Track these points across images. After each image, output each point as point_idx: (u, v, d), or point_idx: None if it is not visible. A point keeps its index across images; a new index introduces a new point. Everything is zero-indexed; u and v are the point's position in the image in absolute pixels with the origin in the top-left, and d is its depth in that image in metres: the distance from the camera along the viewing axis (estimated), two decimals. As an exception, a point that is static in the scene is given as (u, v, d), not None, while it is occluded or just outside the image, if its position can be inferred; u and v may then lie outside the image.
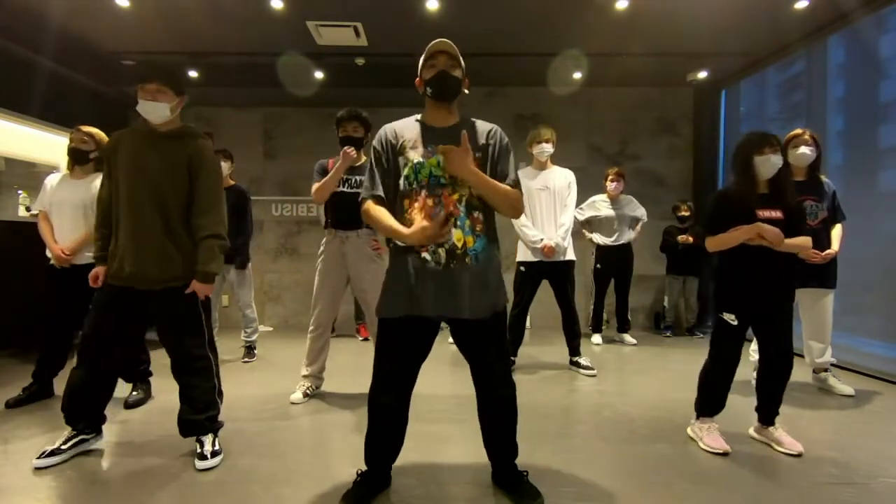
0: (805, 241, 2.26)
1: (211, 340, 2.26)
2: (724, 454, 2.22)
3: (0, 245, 4.14)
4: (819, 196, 3.02)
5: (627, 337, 4.85)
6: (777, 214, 2.26)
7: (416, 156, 1.75)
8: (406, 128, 1.82)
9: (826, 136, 4.33)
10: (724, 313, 2.32)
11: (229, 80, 5.28)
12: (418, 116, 1.85)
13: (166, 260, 2.10)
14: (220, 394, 2.28)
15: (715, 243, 2.32)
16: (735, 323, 2.28)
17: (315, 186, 2.95)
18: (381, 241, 2.93)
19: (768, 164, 2.25)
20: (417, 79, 1.83)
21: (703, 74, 5.07)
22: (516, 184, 1.80)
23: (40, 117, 4.55)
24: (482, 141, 1.81)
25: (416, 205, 1.73)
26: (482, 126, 1.84)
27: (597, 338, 4.82)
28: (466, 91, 1.83)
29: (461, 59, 1.80)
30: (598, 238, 4.77)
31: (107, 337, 2.15)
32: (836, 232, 3.04)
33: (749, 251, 2.25)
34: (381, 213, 1.75)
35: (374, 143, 1.83)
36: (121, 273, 2.09)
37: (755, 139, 2.28)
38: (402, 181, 1.76)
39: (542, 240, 3.58)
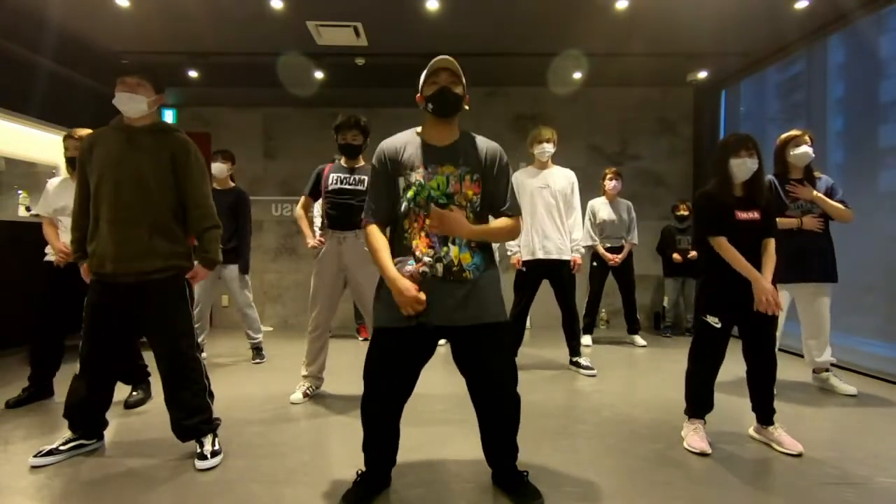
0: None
1: (196, 342, 2.26)
2: (703, 454, 2.22)
3: (0, 245, 4.14)
4: None
5: (638, 339, 4.79)
6: (755, 216, 2.29)
7: (416, 177, 1.75)
8: (406, 145, 1.80)
9: (826, 136, 4.34)
10: (707, 316, 2.33)
11: (229, 80, 5.29)
12: (418, 130, 1.85)
13: (151, 256, 2.08)
14: (211, 395, 2.27)
15: (724, 249, 2.26)
16: (718, 326, 2.30)
17: (302, 201, 3.10)
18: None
19: (744, 168, 2.27)
20: (418, 95, 1.81)
21: (703, 74, 5.07)
22: (513, 208, 1.83)
23: (40, 117, 4.56)
24: (482, 159, 1.80)
25: (416, 226, 1.75)
26: (482, 144, 1.84)
27: (587, 339, 4.67)
28: (467, 108, 1.82)
29: (462, 76, 1.80)
30: (600, 247, 4.68)
31: (104, 345, 2.15)
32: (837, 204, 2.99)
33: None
34: (379, 244, 1.78)
35: (374, 161, 1.83)
36: (102, 270, 2.08)
37: (732, 142, 2.31)
38: (403, 203, 1.76)
39: (516, 252, 3.64)
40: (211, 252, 2.23)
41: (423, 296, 1.68)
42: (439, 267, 1.72)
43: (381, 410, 1.80)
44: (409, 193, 1.74)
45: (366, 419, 1.82)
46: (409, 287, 1.68)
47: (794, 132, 3.02)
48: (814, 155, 2.98)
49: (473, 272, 1.75)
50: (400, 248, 1.77)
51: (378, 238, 1.79)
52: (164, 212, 2.12)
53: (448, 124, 1.82)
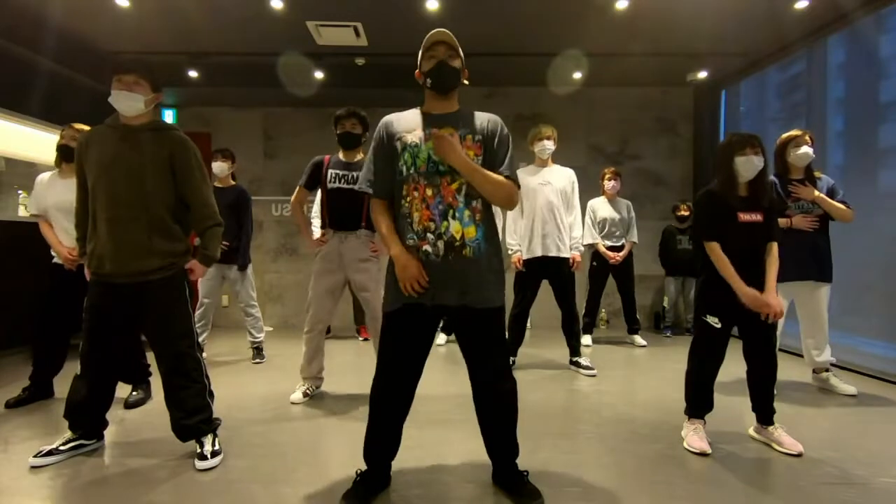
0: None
1: (197, 341, 2.26)
2: (703, 454, 2.22)
3: (0, 245, 4.14)
4: None
5: (638, 338, 4.78)
6: (757, 217, 2.28)
7: (413, 138, 1.75)
8: (405, 116, 1.84)
9: (826, 136, 4.34)
10: (707, 316, 2.33)
11: (229, 80, 5.29)
12: (419, 108, 1.87)
13: (150, 255, 2.08)
14: (212, 395, 2.27)
15: (714, 255, 2.28)
16: (718, 326, 2.29)
17: (297, 193, 3.07)
18: (378, 244, 2.94)
19: (749, 165, 2.26)
20: (417, 71, 1.84)
21: (703, 74, 5.07)
22: (512, 174, 1.79)
23: (40, 117, 4.55)
24: (481, 126, 1.80)
25: (416, 193, 1.73)
26: (481, 115, 1.85)
27: (587, 339, 4.65)
28: (466, 82, 1.84)
29: (460, 49, 1.81)
30: (602, 245, 4.68)
31: (104, 346, 2.15)
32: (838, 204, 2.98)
33: (733, 255, 2.27)
34: (384, 217, 1.80)
35: (375, 134, 1.84)
36: (101, 270, 2.08)
37: (736, 140, 2.30)
38: (401, 166, 1.76)
39: (517, 251, 3.64)
40: (210, 249, 2.24)
41: (425, 276, 1.69)
42: (441, 245, 1.71)
43: (391, 390, 1.81)
44: (406, 157, 1.74)
45: (374, 401, 1.82)
46: (415, 264, 1.69)
47: (794, 133, 3.02)
48: (814, 155, 2.99)
49: (476, 249, 1.73)
50: (398, 216, 1.78)
51: (383, 212, 1.81)
52: (163, 210, 2.11)
53: (447, 100, 1.83)
